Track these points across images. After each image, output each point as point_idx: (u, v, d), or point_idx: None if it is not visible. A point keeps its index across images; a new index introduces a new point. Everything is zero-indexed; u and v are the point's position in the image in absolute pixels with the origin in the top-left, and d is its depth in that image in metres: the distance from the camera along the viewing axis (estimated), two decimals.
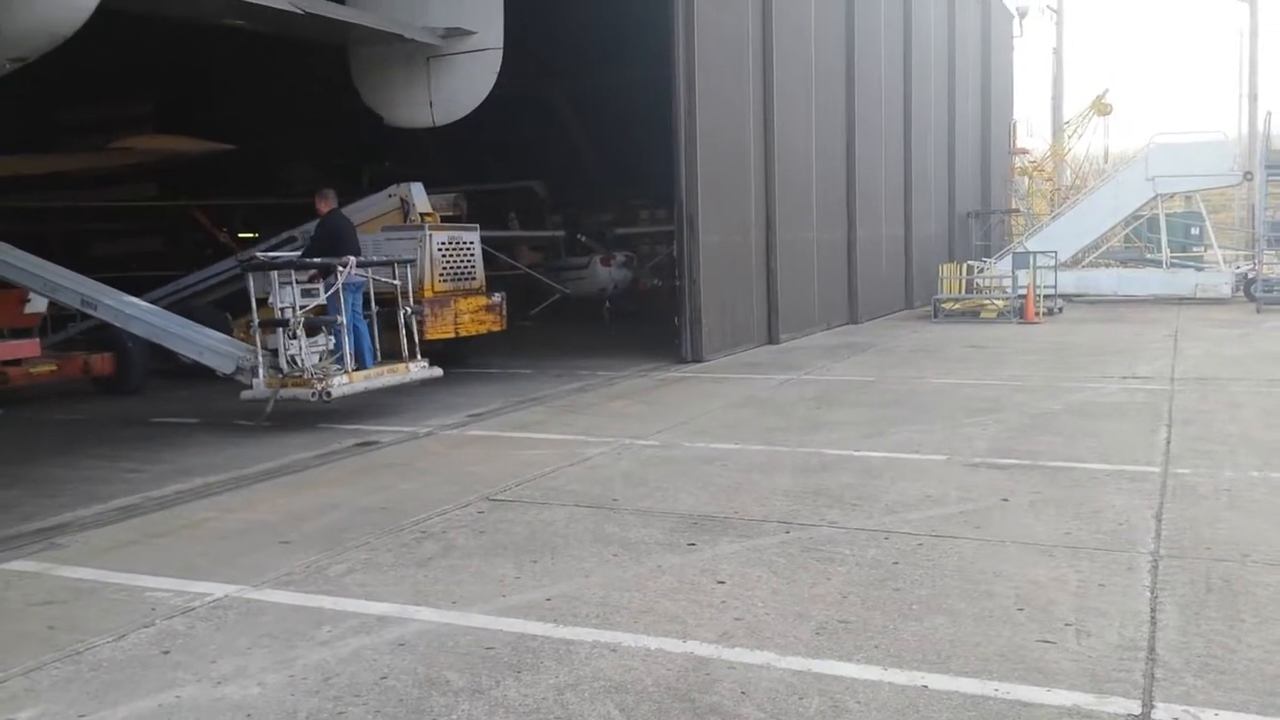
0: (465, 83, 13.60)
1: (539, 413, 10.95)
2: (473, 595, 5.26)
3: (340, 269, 10.69)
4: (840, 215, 20.51)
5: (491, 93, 13.46)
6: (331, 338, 10.74)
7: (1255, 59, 43.78)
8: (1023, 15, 40.52)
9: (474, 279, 14.06)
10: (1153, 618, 4.70)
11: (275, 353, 10.45)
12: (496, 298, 14.72)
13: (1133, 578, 5.26)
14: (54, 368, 12.53)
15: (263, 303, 10.53)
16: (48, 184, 18.64)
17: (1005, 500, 6.84)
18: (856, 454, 8.39)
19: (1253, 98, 42.98)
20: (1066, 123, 47.42)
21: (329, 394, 10.16)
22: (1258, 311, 20.84)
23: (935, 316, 21.45)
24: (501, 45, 13.29)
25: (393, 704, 4.05)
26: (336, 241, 11.44)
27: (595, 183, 26.33)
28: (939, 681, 4.10)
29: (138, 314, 11.73)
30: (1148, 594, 5.01)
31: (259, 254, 11.73)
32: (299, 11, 11.33)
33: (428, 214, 13.95)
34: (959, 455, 8.24)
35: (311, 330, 10.58)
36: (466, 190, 16.96)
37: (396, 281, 11.47)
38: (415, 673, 4.33)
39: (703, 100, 14.63)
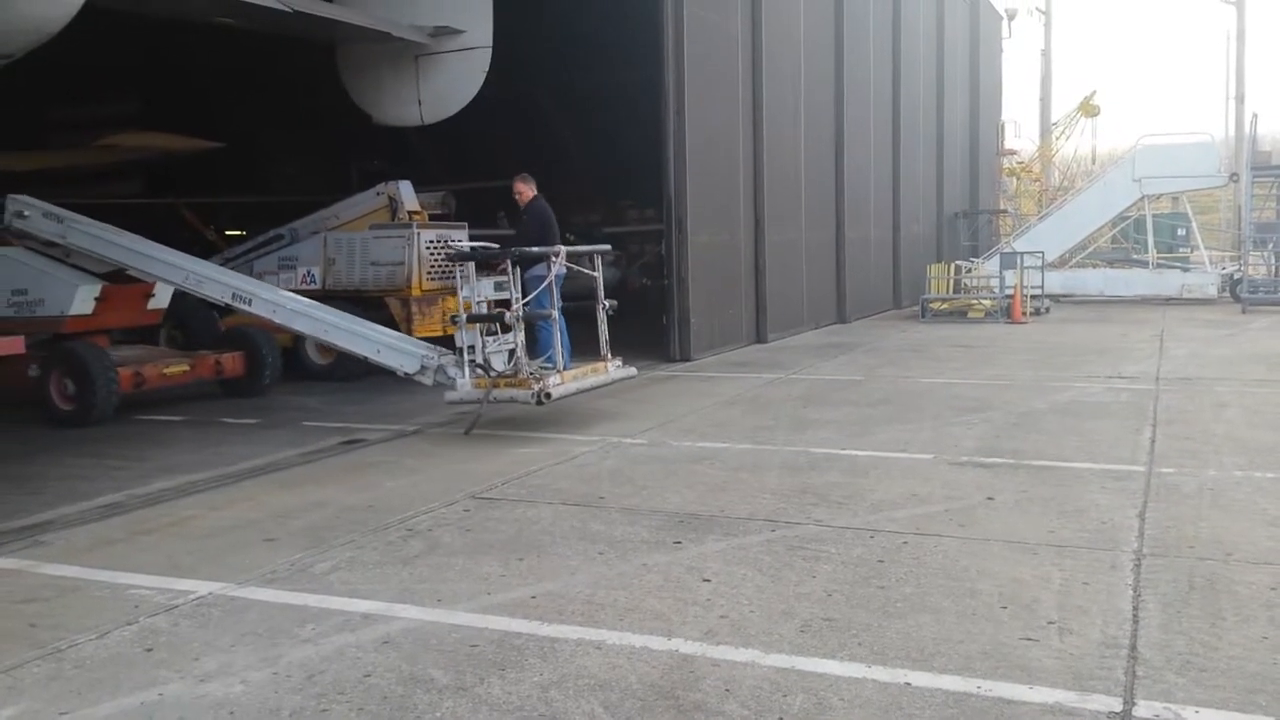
0: (454, 81, 13.60)
1: (525, 411, 10.92)
2: (458, 593, 5.26)
3: (553, 259, 9.85)
4: (829, 215, 20.55)
5: (480, 91, 13.45)
6: (518, 335, 9.77)
7: (1242, 62, 43.91)
8: (1011, 17, 40.66)
9: None
10: (1135, 616, 4.73)
11: (462, 351, 9.60)
12: None
13: (1116, 576, 5.28)
14: (187, 368, 11.80)
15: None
16: (33, 181, 18.51)
17: (990, 499, 6.86)
18: (843, 453, 8.41)
19: (1239, 100, 43.13)
20: (1054, 124, 47.68)
21: (548, 395, 9.31)
22: (1243, 312, 20.95)
23: (923, 316, 21.51)
24: (491, 44, 13.28)
25: (376, 701, 4.04)
26: (545, 229, 10.57)
27: (583, 181, 26.28)
28: (922, 679, 4.11)
29: (301, 309, 10.71)
30: (1130, 592, 5.04)
31: (455, 243, 10.92)
32: (287, 10, 11.31)
33: (416, 212, 13.95)
34: (945, 454, 8.26)
35: (505, 326, 9.65)
36: (454, 188, 16.95)
37: (596, 273, 10.38)
38: (399, 670, 4.32)
39: (692, 100, 14.64)
